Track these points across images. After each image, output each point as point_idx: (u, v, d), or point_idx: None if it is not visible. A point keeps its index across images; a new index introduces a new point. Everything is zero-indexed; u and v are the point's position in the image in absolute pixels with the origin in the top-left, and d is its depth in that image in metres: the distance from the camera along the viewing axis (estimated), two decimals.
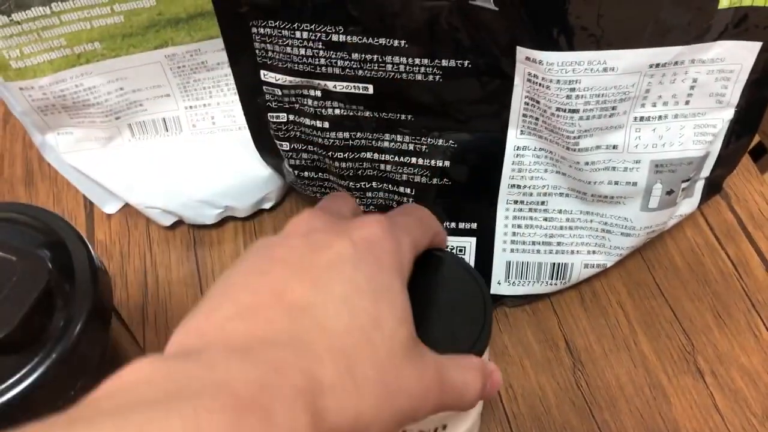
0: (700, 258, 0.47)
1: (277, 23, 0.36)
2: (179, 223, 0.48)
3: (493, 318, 0.44)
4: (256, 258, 0.25)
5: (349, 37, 0.35)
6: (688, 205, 0.43)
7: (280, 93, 0.39)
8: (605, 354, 0.43)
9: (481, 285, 0.32)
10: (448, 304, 0.31)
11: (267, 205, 0.48)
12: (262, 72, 0.39)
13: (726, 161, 0.41)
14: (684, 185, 0.40)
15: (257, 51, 0.38)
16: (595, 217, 0.42)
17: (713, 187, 0.43)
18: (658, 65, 0.35)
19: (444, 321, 0.31)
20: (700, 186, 0.42)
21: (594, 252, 0.43)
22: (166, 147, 0.45)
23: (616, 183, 0.39)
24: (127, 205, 0.48)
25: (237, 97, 0.43)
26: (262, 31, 0.36)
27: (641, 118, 0.37)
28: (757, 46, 0.35)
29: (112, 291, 0.31)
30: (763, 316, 0.44)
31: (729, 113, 0.38)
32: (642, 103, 0.37)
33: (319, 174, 0.43)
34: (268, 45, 0.37)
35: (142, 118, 0.44)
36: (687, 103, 0.37)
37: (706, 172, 0.41)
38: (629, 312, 0.45)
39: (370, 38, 0.35)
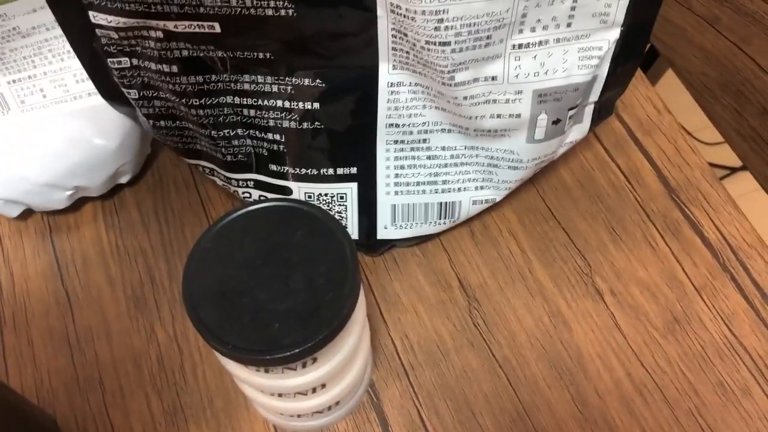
0: (591, 174, 0.45)
1: None
2: (29, 211, 0.43)
3: (384, 268, 0.42)
4: None
5: None
6: (578, 131, 0.40)
7: (116, 36, 0.34)
8: (500, 288, 0.41)
9: (348, 243, 0.29)
10: (315, 271, 0.29)
11: (124, 180, 0.44)
12: (90, 14, 0.33)
13: (615, 83, 0.38)
14: (571, 113, 0.37)
15: None
16: (481, 152, 0.39)
17: (604, 110, 0.40)
18: None
19: (309, 287, 0.28)
20: (589, 111, 0.39)
21: (482, 188, 0.41)
22: None
23: (498, 116, 0.36)
24: None
25: (66, 64, 0.38)
26: None
27: (520, 46, 0.34)
28: None
29: None
30: (657, 226, 0.43)
31: (615, 33, 0.35)
32: (519, 29, 0.33)
33: (177, 123, 0.39)
34: None
35: None
36: (569, 25, 0.34)
37: (594, 96, 0.38)
38: (522, 240, 0.43)
39: None
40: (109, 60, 0.35)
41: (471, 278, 0.41)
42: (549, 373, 0.38)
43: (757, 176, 0.57)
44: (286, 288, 0.29)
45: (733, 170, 1.26)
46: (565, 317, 0.40)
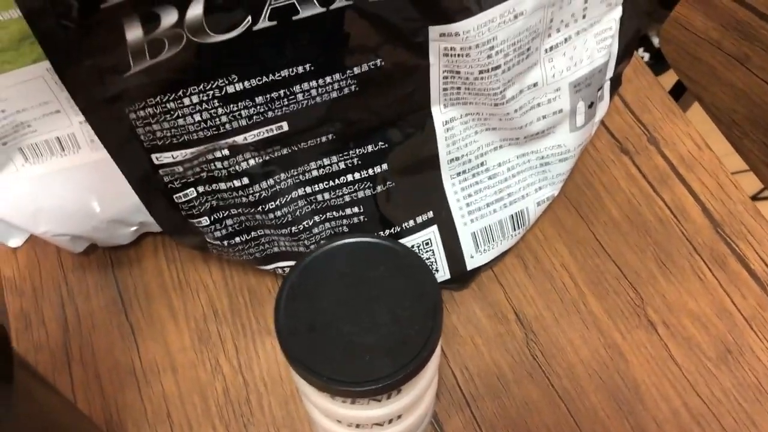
0: (637, 208, 0.46)
1: (157, 99, 0.31)
2: (93, 246, 0.44)
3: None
4: None
5: (247, 83, 0.31)
6: (602, 109, 0.43)
7: (181, 169, 0.34)
8: (556, 320, 0.42)
9: (433, 281, 0.30)
10: (399, 304, 0.30)
11: None
12: (153, 156, 0.34)
13: (624, 55, 0.41)
14: (599, 93, 0.41)
15: (142, 136, 0.32)
16: (532, 156, 0.41)
17: (616, 83, 0.43)
18: None
19: (394, 324, 0.29)
20: (607, 87, 0.42)
21: (540, 188, 0.43)
22: (65, 168, 0.41)
23: (544, 117, 0.39)
24: (33, 235, 0.44)
25: None
26: (141, 113, 0.31)
27: (551, 48, 0.37)
28: None
29: (9, 345, 0.28)
30: (705, 259, 0.44)
31: (618, 11, 0.38)
32: (549, 34, 0.36)
33: (252, 233, 0.39)
34: (153, 126, 0.32)
35: (33, 140, 0.40)
36: (584, 17, 0.37)
37: (611, 72, 0.41)
38: (574, 273, 0.44)
39: (271, 75, 0.32)
40: (175, 196, 0.36)
41: (527, 310, 0.42)
42: (608, 403, 0.39)
43: None
44: (372, 321, 0.30)
45: (754, 198, 1.29)
46: (620, 349, 0.41)
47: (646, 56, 1.44)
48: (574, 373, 0.40)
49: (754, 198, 1.26)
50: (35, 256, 0.45)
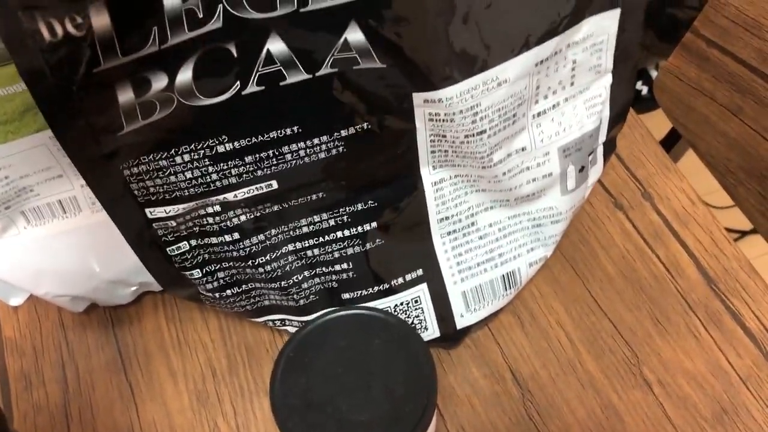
0: (632, 264, 0.46)
1: (150, 156, 0.32)
2: (93, 305, 0.45)
3: (438, 360, 0.43)
4: None
5: (236, 143, 0.33)
6: (595, 173, 0.44)
7: (174, 224, 0.36)
8: (552, 379, 0.42)
9: (427, 354, 0.31)
10: (394, 379, 0.30)
11: None
12: (147, 211, 0.35)
13: (616, 120, 0.42)
14: (590, 157, 0.41)
15: (136, 192, 0.34)
16: (523, 217, 0.42)
17: (610, 147, 0.43)
18: (542, 61, 0.35)
19: (388, 401, 0.30)
20: (600, 152, 0.43)
21: (533, 249, 0.43)
22: (66, 230, 0.42)
23: (534, 180, 0.40)
24: (34, 295, 0.45)
25: None
26: (135, 170, 0.33)
27: (539, 114, 0.38)
28: (616, 12, 0.36)
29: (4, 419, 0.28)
30: (700, 316, 0.44)
31: (608, 79, 0.39)
32: (536, 100, 0.37)
33: (243, 287, 0.40)
34: (147, 182, 0.33)
35: (36, 204, 0.41)
36: (572, 84, 0.38)
37: (603, 137, 0.42)
38: (570, 331, 0.44)
39: (260, 136, 0.33)
40: (168, 249, 0.37)
41: (523, 369, 0.43)
42: None
43: None
44: (367, 397, 0.30)
45: (744, 233, 1.28)
46: (616, 409, 0.41)
47: (645, 89, 1.45)
48: None
49: (742, 235, 1.26)
50: (36, 315, 0.45)
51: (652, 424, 0.41)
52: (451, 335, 0.42)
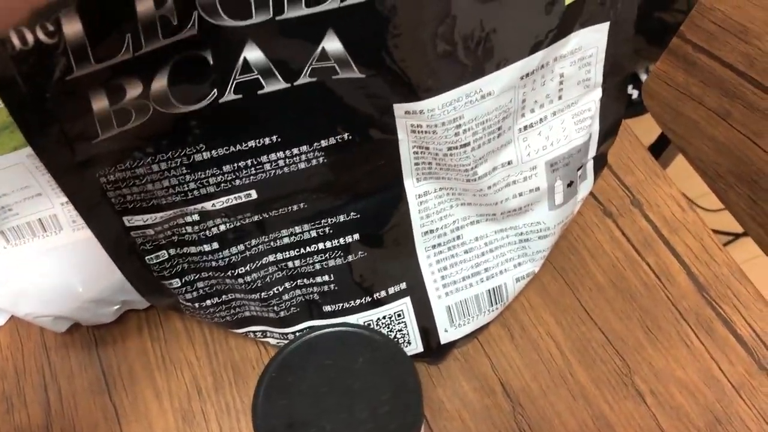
0: (622, 272, 0.46)
1: (126, 164, 0.32)
2: (76, 325, 0.44)
3: (427, 374, 0.43)
4: None
5: (214, 152, 0.32)
6: (585, 187, 0.43)
7: (152, 232, 0.35)
8: (543, 391, 0.42)
9: (413, 372, 0.30)
10: (378, 398, 0.30)
11: None
12: (124, 219, 0.34)
13: (607, 134, 0.41)
14: (579, 172, 0.40)
15: (113, 200, 0.33)
16: (510, 231, 0.41)
17: (600, 162, 0.43)
18: (527, 75, 0.34)
19: (373, 420, 0.29)
20: (590, 166, 0.42)
21: (520, 264, 0.42)
22: (47, 249, 0.41)
23: (521, 194, 0.39)
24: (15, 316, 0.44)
25: None
26: (112, 178, 0.32)
27: (525, 128, 0.37)
28: (605, 26, 0.36)
29: None
30: (691, 324, 0.44)
31: (598, 93, 0.38)
32: (522, 114, 0.36)
33: (223, 297, 0.39)
34: (123, 190, 0.33)
35: (15, 223, 0.40)
36: (560, 98, 0.37)
37: (593, 152, 0.41)
38: (560, 342, 0.43)
39: (238, 145, 0.32)
40: (147, 258, 0.37)
41: (513, 382, 0.42)
42: None
43: None
44: (350, 417, 0.29)
45: (737, 236, 1.28)
46: (608, 420, 0.41)
47: (635, 93, 1.45)
48: None
49: (735, 237, 1.25)
50: (18, 336, 0.44)
51: None
52: (435, 350, 0.42)
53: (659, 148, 0.79)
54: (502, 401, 0.41)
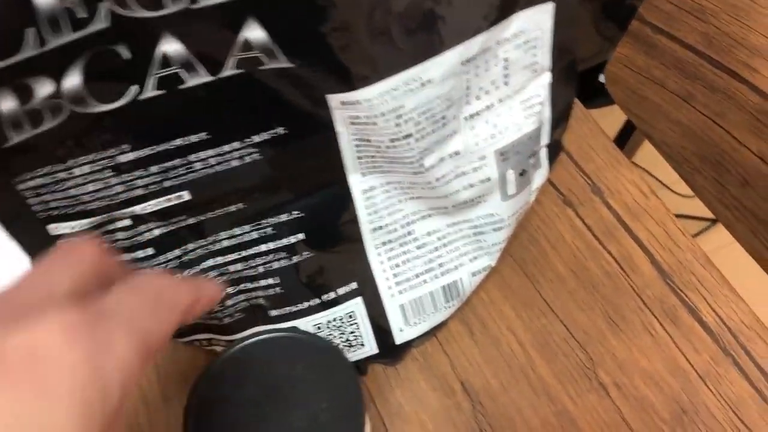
0: (584, 263, 0.45)
1: (46, 169, 0.30)
2: None
3: (384, 376, 0.41)
4: None
5: (139, 152, 0.31)
6: (540, 176, 0.42)
7: None
8: (504, 388, 0.40)
9: (354, 377, 0.29)
10: (318, 406, 0.28)
11: None
12: (50, 228, 0.32)
13: (559, 120, 0.40)
14: (532, 161, 0.39)
15: (35, 207, 0.31)
16: (464, 225, 0.40)
17: (555, 149, 0.42)
18: (469, 60, 0.33)
19: (315, 425, 0.28)
20: (544, 154, 0.41)
21: (476, 258, 0.41)
22: None
23: (471, 186, 0.37)
24: None
25: None
26: (31, 184, 0.30)
27: (471, 116, 0.36)
28: (549, 7, 0.34)
29: None
30: (655, 313, 0.43)
31: (546, 77, 0.37)
32: (467, 101, 0.35)
33: None
34: (45, 196, 0.31)
35: None
36: (506, 84, 0.36)
37: (545, 139, 0.40)
38: (521, 336, 0.42)
39: (164, 144, 0.31)
40: None
41: (473, 380, 0.41)
42: None
43: (744, 244, 0.57)
44: (289, 428, 0.28)
45: (715, 221, 1.28)
46: (571, 415, 0.39)
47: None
48: None
49: (713, 223, 1.25)
50: None
51: (609, 428, 0.39)
52: (391, 351, 0.40)
53: (624, 137, 0.78)
54: (462, 400, 0.40)
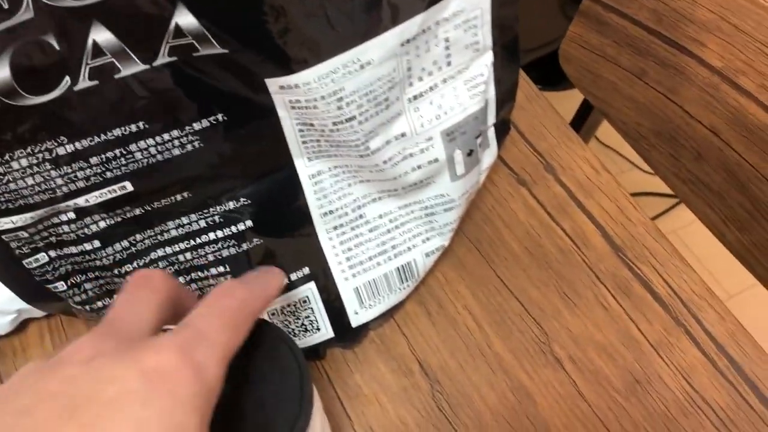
0: (538, 240, 0.45)
1: None
2: None
3: (343, 359, 0.41)
4: (18, 392, 0.21)
5: (77, 144, 0.30)
6: (489, 155, 0.42)
7: (26, 234, 0.33)
8: (461, 367, 0.41)
9: (297, 357, 0.29)
10: (265, 388, 0.28)
11: None
12: None
13: (505, 99, 0.40)
14: (479, 140, 0.39)
15: None
16: (415, 206, 0.40)
17: (502, 128, 0.42)
18: (408, 41, 0.33)
19: (260, 409, 0.28)
20: (492, 133, 0.41)
21: (428, 239, 0.41)
22: None
23: (419, 167, 0.37)
24: None
25: None
26: None
27: (415, 97, 0.35)
28: None
29: None
30: (608, 286, 0.43)
31: (489, 56, 0.37)
32: (410, 83, 0.35)
33: (115, 297, 0.38)
34: None
35: None
36: (449, 64, 0.36)
37: (492, 118, 0.40)
38: (477, 315, 0.43)
39: (103, 134, 0.30)
40: (25, 262, 0.35)
41: (431, 360, 0.41)
42: None
43: (701, 217, 0.58)
44: (235, 414, 0.28)
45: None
46: (528, 390, 0.40)
47: None
48: (482, 421, 0.39)
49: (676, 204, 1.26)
50: None
51: (564, 401, 0.39)
52: (347, 334, 0.41)
53: (581, 118, 0.78)
54: (420, 380, 0.40)
